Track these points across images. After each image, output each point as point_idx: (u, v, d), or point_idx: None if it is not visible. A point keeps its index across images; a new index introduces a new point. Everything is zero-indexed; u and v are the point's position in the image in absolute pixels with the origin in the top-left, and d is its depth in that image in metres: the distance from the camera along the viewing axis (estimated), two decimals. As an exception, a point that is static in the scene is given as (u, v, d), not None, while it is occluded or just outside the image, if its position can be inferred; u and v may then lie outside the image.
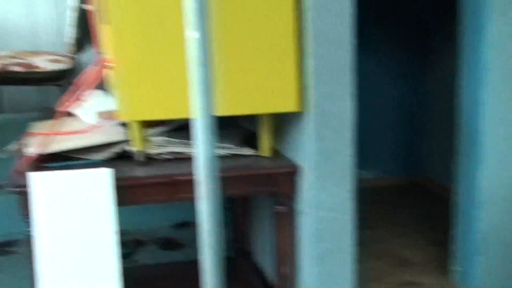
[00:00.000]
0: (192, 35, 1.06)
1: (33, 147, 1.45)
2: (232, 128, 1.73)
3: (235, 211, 2.10)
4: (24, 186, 1.36)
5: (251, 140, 1.66)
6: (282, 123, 1.64)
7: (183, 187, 1.46)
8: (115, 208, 1.40)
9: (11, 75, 2.61)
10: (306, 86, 1.46)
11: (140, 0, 1.34)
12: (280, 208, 1.57)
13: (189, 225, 2.68)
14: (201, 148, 1.12)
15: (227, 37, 1.39)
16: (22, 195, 1.36)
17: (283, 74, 1.44)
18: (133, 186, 1.45)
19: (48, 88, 2.92)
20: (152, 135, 1.56)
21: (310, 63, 1.43)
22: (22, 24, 3.13)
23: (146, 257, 2.36)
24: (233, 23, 1.39)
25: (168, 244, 2.51)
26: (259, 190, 1.59)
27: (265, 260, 1.96)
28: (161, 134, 1.59)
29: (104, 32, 1.54)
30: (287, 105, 1.46)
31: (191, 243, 2.49)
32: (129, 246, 2.43)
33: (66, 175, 1.37)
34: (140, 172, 1.48)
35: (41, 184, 1.35)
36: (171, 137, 1.57)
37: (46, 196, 1.35)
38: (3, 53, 2.75)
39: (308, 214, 1.53)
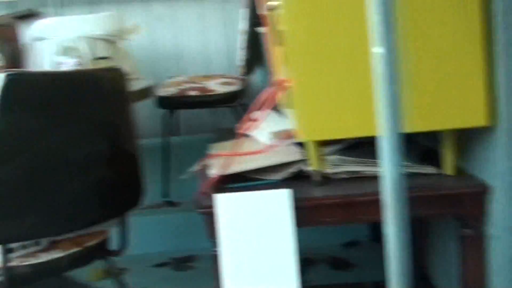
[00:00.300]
0: (377, 50, 1.02)
1: (215, 168, 1.50)
2: (408, 144, 1.64)
3: (413, 232, 2.00)
4: (209, 207, 1.40)
5: (429, 157, 1.56)
6: (467, 137, 1.52)
7: (361, 208, 1.41)
8: (295, 229, 1.39)
9: (188, 99, 2.79)
10: (497, 98, 1.34)
11: (316, 17, 1.33)
12: (467, 231, 1.45)
13: (358, 244, 2.61)
14: (388, 168, 1.07)
15: (411, 50, 1.32)
16: (208, 215, 1.41)
17: (470, 87, 1.34)
18: (311, 207, 1.43)
19: (219, 109, 3.06)
20: (327, 154, 1.54)
21: (501, 73, 1.30)
22: (195, 49, 3.34)
23: (317, 276, 2.34)
24: (418, 35, 1.32)
25: (338, 263, 2.46)
26: (443, 211, 1.48)
27: (448, 286, 1.83)
28: (336, 152, 1.56)
29: (278, 53, 1.56)
30: (475, 119, 1.35)
31: (361, 263, 2.43)
32: (301, 265, 2.42)
33: (248, 196, 1.39)
34: (317, 192, 1.46)
35: (225, 205, 1.38)
36: (346, 156, 1.54)
37: (230, 217, 1.38)
38: (179, 78, 2.95)
39: (501, 238, 1.39)
